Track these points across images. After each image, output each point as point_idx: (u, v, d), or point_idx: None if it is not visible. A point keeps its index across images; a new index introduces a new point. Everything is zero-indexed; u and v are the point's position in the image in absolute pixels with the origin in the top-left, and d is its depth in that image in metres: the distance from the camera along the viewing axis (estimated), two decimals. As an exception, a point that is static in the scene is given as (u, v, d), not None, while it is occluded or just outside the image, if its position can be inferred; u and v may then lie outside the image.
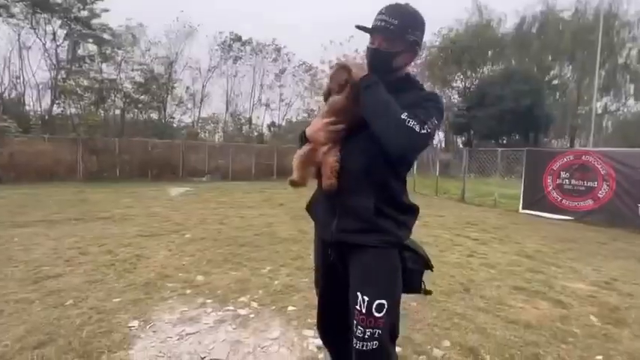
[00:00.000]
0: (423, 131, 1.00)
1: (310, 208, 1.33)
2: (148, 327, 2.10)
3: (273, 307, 2.44)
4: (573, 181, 6.98)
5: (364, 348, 1.05)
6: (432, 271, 1.19)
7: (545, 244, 4.73)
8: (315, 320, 1.40)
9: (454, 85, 27.37)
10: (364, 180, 1.10)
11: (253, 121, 24.14)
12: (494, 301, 2.67)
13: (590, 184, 6.73)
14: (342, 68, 1.11)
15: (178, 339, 1.99)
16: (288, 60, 23.79)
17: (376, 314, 1.04)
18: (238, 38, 22.55)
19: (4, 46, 24.60)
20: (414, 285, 1.17)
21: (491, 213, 7.50)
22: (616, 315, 2.52)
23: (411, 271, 1.14)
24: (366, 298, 1.04)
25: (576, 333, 2.23)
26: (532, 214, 7.44)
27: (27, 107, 17.79)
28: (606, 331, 2.28)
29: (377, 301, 1.04)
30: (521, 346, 2.04)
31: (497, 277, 3.25)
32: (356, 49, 18.52)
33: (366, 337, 1.04)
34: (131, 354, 1.82)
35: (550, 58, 24.66)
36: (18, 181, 9.99)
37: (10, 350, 1.79)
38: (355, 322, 1.07)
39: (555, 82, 25.59)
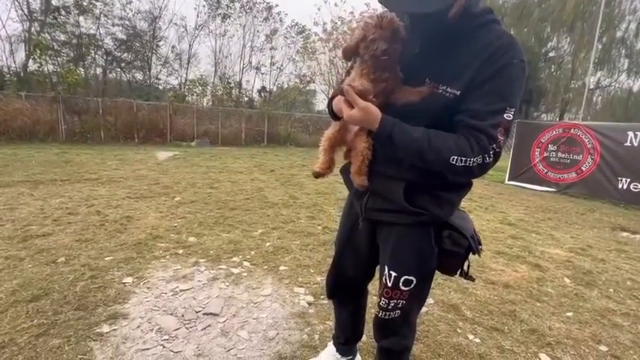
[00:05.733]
0: (487, 160, 0.82)
1: (344, 170, 1.16)
2: (142, 283, 2.14)
3: (265, 267, 2.51)
4: (560, 154, 7.13)
5: (386, 317, 1.06)
6: (479, 256, 1.05)
7: (528, 214, 4.92)
8: (325, 279, 1.37)
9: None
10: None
11: (243, 86, 23.29)
12: (476, 264, 2.79)
13: (575, 157, 6.90)
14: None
15: (173, 294, 2.04)
16: (280, 20, 22.53)
17: (403, 287, 1.01)
18: (227, -7, 21.07)
19: (-33, -9, 22.39)
20: (449, 267, 1.05)
21: (477, 183, 7.66)
22: (588, 278, 2.69)
23: (448, 252, 1.00)
24: (393, 274, 1.01)
25: (550, 293, 2.39)
26: (517, 186, 7.66)
27: (-1, 62, 16.60)
28: (578, 291, 2.45)
29: (404, 277, 1.01)
30: (500, 304, 2.18)
31: (482, 242, 3.39)
32: (351, 10, 17.64)
33: (390, 307, 1.04)
34: (127, 307, 1.87)
35: (549, 29, 24.09)
36: (-4, 141, 9.57)
37: (3, 303, 1.81)
38: (380, 293, 1.06)
39: (552, 54, 25.25)
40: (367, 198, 1.04)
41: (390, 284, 1.02)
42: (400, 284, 1.01)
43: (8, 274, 2.13)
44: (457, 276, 1.09)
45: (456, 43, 0.86)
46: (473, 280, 1.11)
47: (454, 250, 1.00)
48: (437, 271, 1.08)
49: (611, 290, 2.51)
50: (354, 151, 0.99)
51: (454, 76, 0.84)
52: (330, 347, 1.48)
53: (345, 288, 1.32)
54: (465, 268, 1.06)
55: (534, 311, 2.13)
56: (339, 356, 1.44)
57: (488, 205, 5.26)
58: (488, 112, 0.81)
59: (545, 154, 7.36)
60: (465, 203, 5.54)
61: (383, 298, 1.05)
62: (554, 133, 7.24)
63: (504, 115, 0.81)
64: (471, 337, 1.82)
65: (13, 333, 1.58)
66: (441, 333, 1.83)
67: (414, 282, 1.01)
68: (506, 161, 8.41)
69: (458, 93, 0.84)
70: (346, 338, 1.42)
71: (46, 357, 1.46)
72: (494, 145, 0.81)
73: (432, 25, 0.85)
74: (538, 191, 7.16)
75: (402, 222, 0.98)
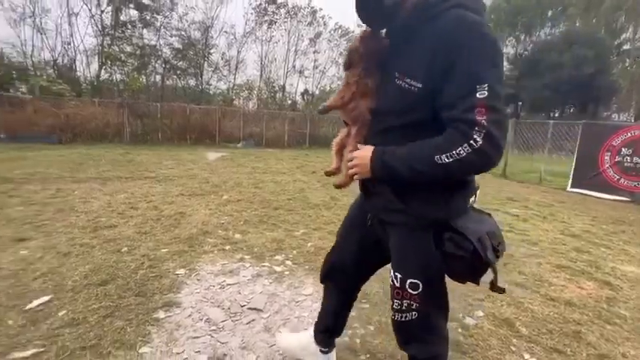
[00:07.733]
0: (477, 145, 0.78)
1: None
2: (193, 275, 2.29)
3: (307, 267, 2.54)
4: (635, 159, 6.30)
5: (402, 319, 1.05)
6: (493, 262, 0.92)
7: (595, 225, 4.41)
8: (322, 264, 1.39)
9: (504, 51, 24.99)
10: None
11: (287, 89, 23.92)
12: (533, 277, 2.57)
13: (656, 162, 6.05)
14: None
15: (220, 288, 2.15)
16: (324, 24, 22.85)
17: (411, 291, 1.00)
18: (273, 1, 21.86)
19: (54, 12, 25.82)
20: (457, 273, 0.97)
21: (535, 190, 7.05)
22: (672, 301, 2.34)
23: (450, 255, 0.93)
24: (398, 275, 1.02)
25: (624, 315, 2.11)
26: (582, 193, 6.90)
27: (78, 72, 18.87)
28: (659, 316, 2.13)
29: (409, 280, 1.00)
30: (561, 323, 1.97)
31: (539, 254, 3.11)
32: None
33: (403, 308, 1.03)
34: (179, 297, 2.00)
35: (623, 18, 21.47)
36: (74, 142, 10.89)
37: (78, 285, 2.04)
38: (391, 295, 1.06)
39: (626, 47, 22.45)
40: (371, 197, 1.09)
41: (397, 285, 1.03)
42: (407, 287, 1.00)
43: (82, 260, 2.40)
44: (487, 286, 0.98)
45: (415, 36, 0.87)
46: (503, 291, 0.97)
47: (456, 254, 0.92)
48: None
49: None
50: (343, 157, 1.12)
51: (415, 69, 0.86)
52: (310, 331, 1.48)
53: (337, 276, 1.32)
54: (492, 277, 0.94)
55: (603, 334, 1.89)
56: (314, 343, 1.43)
57: (547, 214, 4.81)
58: (457, 98, 0.80)
59: (617, 159, 6.55)
60: (519, 210, 5.12)
61: (395, 300, 1.05)
62: (629, 135, 6.42)
63: (477, 95, 0.77)
64: (527, 356, 1.67)
65: (85, 312, 1.78)
66: (492, 349, 1.70)
67: (421, 286, 0.99)
68: (567, 166, 7.64)
69: (420, 86, 0.85)
70: (325, 326, 1.41)
71: (112, 336, 1.61)
72: (476, 128, 0.77)
73: (392, 22, 0.92)
74: (608, 200, 6.39)
75: (403, 222, 0.99)
